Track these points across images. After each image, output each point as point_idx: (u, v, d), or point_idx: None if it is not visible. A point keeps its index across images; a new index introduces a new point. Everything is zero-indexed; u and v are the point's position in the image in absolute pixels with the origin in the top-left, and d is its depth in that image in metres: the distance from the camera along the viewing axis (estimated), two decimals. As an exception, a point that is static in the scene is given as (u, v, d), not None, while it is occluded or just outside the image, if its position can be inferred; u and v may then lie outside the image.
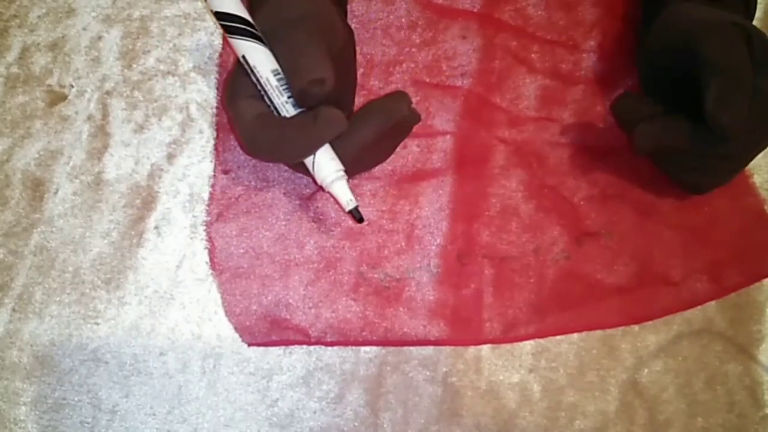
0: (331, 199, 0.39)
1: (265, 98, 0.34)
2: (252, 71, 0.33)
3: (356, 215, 0.35)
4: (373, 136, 0.34)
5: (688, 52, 0.33)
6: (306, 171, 0.35)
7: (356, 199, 0.35)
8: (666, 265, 0.39)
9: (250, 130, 0.33)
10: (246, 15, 0.34)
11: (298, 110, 0.34)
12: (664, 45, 0.36)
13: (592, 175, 0.40)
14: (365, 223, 0.38)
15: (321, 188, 0.35)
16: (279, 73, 0.33)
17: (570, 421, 0.37)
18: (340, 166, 0.34)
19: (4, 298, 0.38)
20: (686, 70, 0.34)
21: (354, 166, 0.36)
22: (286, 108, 0.33)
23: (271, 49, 0.34)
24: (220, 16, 0.34)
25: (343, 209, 0.35)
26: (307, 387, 0.37)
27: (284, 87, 0.33)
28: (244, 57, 0.33)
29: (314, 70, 0.32)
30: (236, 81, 0.34)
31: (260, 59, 0.33)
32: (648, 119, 0.34)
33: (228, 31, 0.34)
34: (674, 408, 0.37)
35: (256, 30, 0.34)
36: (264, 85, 0.33)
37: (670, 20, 0.35)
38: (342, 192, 0.35)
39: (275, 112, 0.34)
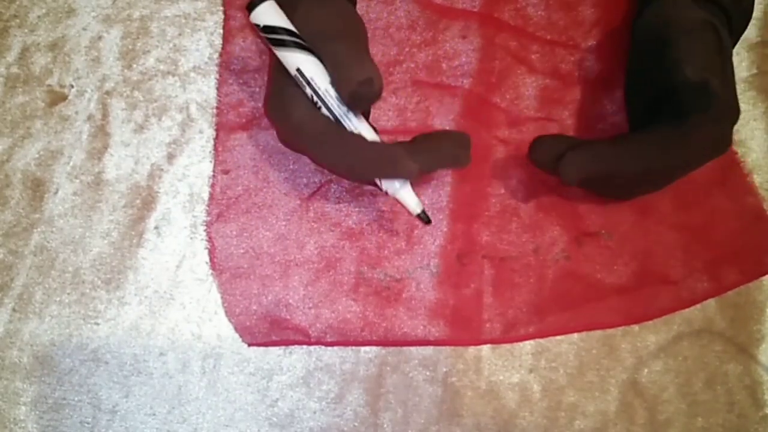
0: (331, 199, 0.39)
1: (324, 110, 0.34)
2: (309, 83, 0.33)
3: (424, 218, 0.35)
4: (426, 170, 0.35)
5: (659, 47, 0.34)
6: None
7: (422, 202, 0.35)
8: (666, 264, 0.39)
9: (322, 143, 0.34)
10: (292, 27, 0.34)
11: (361, 120, 0.34)
12: (640, 43, 0.37)
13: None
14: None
15: (385, 193, 0.35)
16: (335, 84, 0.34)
17: (570, 421, 0.37)
18: None
19: (4, 298, 0.38)
20: (659, 67, 0.34)
21: None
22: (348, 117, 0.34)
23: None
24: (266, 30, 0.34)
25: (410, 213, 0.36)
26: (307, 387, 0.37)
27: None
28: (299, 69, 0.33)
29: (361, 72, 0.32)
30: (287, 93, 0.34)
31: (316, 71, 0.33)
32: (571, 149, 0.34)
33: (276, 44, 0.34)
34: (674, 408, 0.37)
35: (304, 41, 0.34)
36: (323, 97, 0.33)
37: (648, 19, 0.36)
38: (410, 198, 0.35)
39: (337, 123, 0.34)
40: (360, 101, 0.33)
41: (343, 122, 0.34)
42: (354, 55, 0.33)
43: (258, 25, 0.34)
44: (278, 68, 0.35)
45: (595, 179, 0.35)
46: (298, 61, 0.33)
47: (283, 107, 0.34)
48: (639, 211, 0.40)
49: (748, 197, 0.40)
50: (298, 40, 0.33)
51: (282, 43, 0.33)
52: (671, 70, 0.33)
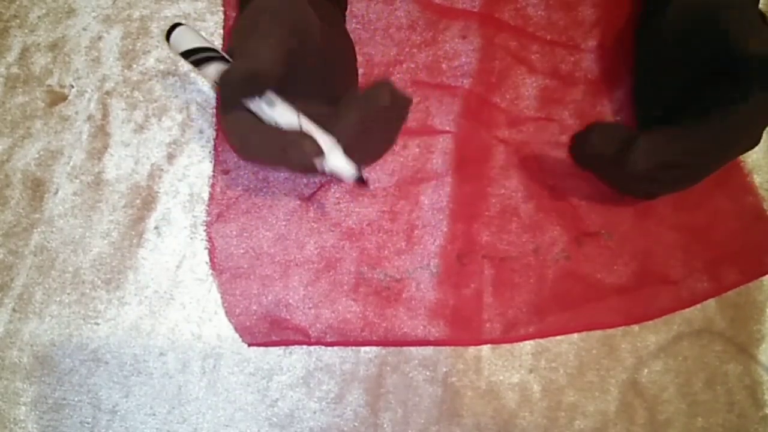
0: (331, 200, 0.39)
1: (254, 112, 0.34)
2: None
3: (361, 180, 0.34)
4: (355, 126, 0.34)
5: (703, 26, 0.33)
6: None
7: (355, 166, 0.34)
8: (666, 264, 0.39)
9: (240, 140, 0.33)
10: (205, 43, 0.34)
11: (274, 108, 0.34)
12: (675, 24, 0.35)
13: (592, 175, 0.40)
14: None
15: (323, 173, 0.35)
16: None
17: (570, 421, 0.37)
18: (329, 138, 0.34)
19: (4, 298, 0.38)
20: (704, 46, 0.33)
21: (354, 154, 0.35)
22: (262, 109, 0.34)
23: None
24: (185, 55, 0.34)
25: (347, 182, 0.35)
26: (307, 387, 0.37)
27: None
28: (215, 81, 0.34)
29: (238, 63, 0.32)
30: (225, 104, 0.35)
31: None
32: (640, 136, 0.33)
33: (196, 65, 0.34)
34: (674, 408, 0.37)
35: (218, 51, 0.34)
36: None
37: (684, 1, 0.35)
38: (341, 164, 0.34)
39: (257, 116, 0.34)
40: (227, 97, 0.32)
41: (259, 114, 0.34)
42: (242, 53, 0.32)
43: (179, 54, 0.35)
44: None
45: (661, 168, 0.33)
46: (214, 73, 0.34)
47: (223, 107, 0.34)
48: (639, 212, 0.40)
49: (748, 197, 0.40)
50: (215, 54, 0.34)
51: (200, 62, 0.34)
52: (726, 47, 0.32)
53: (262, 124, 0.33)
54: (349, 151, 0.34)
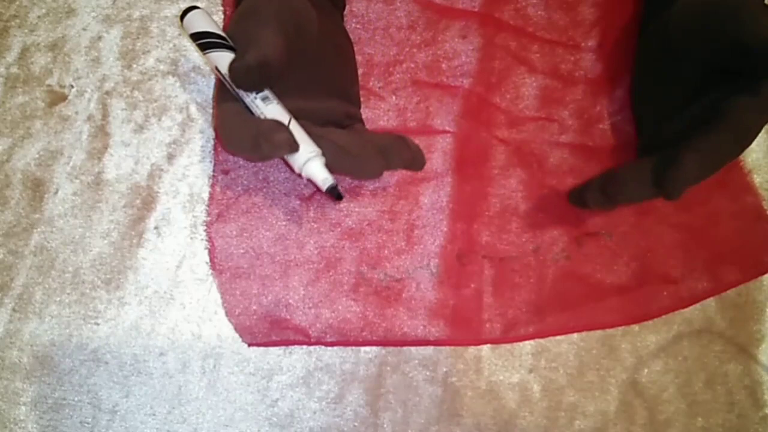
0: (331, 199, 0.39)
1: (240, 101, 0.34)
2: (224, 78, 0.34)
3: (335, 194, 0.35)
4: (351, 160, 0.34)
5: (714, 21, 0.33)
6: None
7: (333, 178, 0.34)
8: (666, 264, 0.39)
9: (223, 128, 0.33)
10: (216, 30, 0.35)
11: (269, 104, 0.34)
12: (684, 22, 0.35)
13: (592, 175, 0.40)
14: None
15: (299, 175, 0.35)
16: None
17: (570, 421, 0.37)
18: (314, 148, 0.34)
19: (4, 298, 0.38)
20: (716, 41, 0.33)
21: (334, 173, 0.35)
22: (255, 104, 0.34)
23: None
24: (195, 37, 0.35)
25: (320, 190, 0.35)
26: (307, 387, 0.37)
27: None
28: (217, 68, 0.34)
29: (243, 55, 0.32)
30: (220, 87, 0.35)
31: (227, 65, 0.34)
32: (671, 168, 0.32)
33: (203, 48, 0.35)
34: (674, 408, 0.37)
35: (227, 41, 0.35)
36: (231, 87, 0.34)
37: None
38: (317, 172, 0.34)
39: (250, 112, 0.34)
40: (240, 83, 0.33)
41: (252, 109, 0.34)
42: (248, 39, 0.33)
43: (188, 35, 0.36)
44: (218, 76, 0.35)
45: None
46: (215, 60, 0.34)
47: (217, 99, 0.35)
48: (639, 211, 0.40)
49: (748, 197, 0.40)
50: (218, 41, 0.34)
51: (207, 46, 0.35)
52: (735, 38, 0.31)
53: (247, 114, 0.34)
54: (331, 169, 0.35)
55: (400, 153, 0.36)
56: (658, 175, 0.32)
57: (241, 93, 0.34)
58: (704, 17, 0.34)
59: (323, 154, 0.34)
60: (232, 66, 0.33)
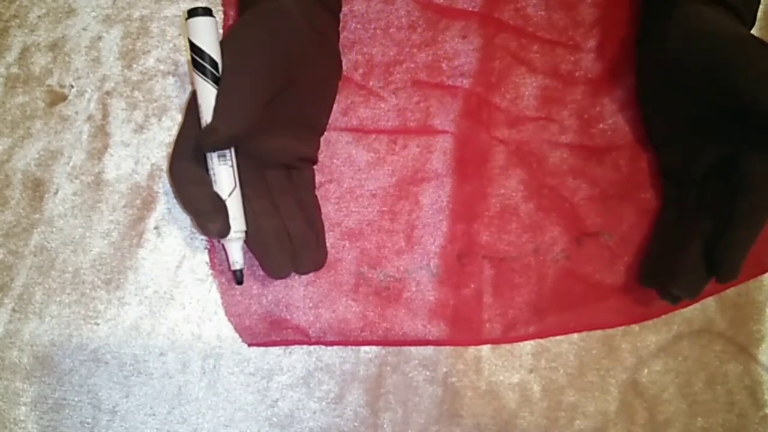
0: (331, 200, 0.39)
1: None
2: (198, 108, 0.34)
3: (238, 276, 0.36)
4: (272, 273, 0.35)
5: (712, 66, 0.33)
6: None
7: (243, 263, 0.35)
8: (666, 265, 0.39)
9: (178, 191, 0.34)
10: (215, 51, 0.34)
11: (222, 163, 0.34)
12: (682, 50, 0.35)
13: (592, 175, 0.40)
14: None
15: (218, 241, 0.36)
16: None
17: (570, 421, 0.37)
18: (241, 227, 0.34)
19: (4, 298, 0.38)
20: (707, 77, 0.33)
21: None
22: (212, 157, 0.34)
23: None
24: (192, 47, 0.34)
25: (228, 266, 0.36)
26: (307, 387, 0.37)
27: None
28: (194, 92, 0.34)
29: (213, 122, 0.32)
30: (188, 110, 0.34)
31: (206, 101, 0.33)
32: (721, 261, 0.34)
33: (194, 64, 0.34)
34: (674, 408, 0.37)
35: (217, 69, 0.33)
36: (200, 115, 0.34)
37: (689, 27, 0.35)
38: (233, 252, 0.35)
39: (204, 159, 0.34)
40: (206, 148, 0.33)
41: (206, 159, 0.34)
42: (229, 90, 0.32)
43: (188, 39, 0.34)
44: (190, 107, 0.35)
45: None
46: (201, 89, 0.33)
47: (174, 163, 0.34)
48: (639, 211, 0.40)
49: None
50: (212, 70, 0.33)
51: (198, 66, 0.33)
52: (737, 97, 0.32)
53: (202, 180, 0.33)
54: (249, 246, 0.36)
55: (309, 254, 0.36)
56: (712, 269, 0.34)
57: None
58: (699, 59, 0.34)
59: (246, 232, 0.35)
60: (204, 129, 0.32)
